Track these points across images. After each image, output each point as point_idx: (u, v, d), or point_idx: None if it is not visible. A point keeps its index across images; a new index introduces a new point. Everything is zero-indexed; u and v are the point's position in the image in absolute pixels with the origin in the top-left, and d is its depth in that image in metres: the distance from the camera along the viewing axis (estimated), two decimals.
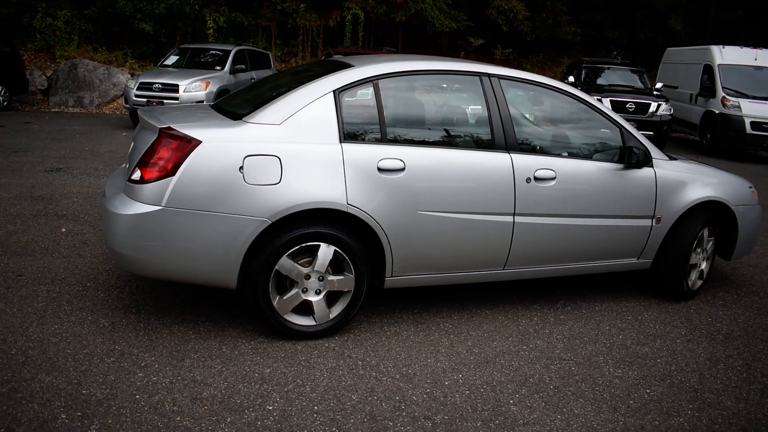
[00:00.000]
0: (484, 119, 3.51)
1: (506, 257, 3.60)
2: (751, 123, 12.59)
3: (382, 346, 3.26)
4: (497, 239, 3.52)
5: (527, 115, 3.85)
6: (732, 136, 12.87)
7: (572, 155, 3.73)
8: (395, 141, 3.28)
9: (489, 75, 3.56)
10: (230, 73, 11.48)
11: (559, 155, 3.67)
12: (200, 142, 2.92)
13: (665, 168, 3.95)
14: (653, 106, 12.74)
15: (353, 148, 3.14)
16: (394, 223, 3.21)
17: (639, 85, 14.15)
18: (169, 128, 2.97)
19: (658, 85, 13.78)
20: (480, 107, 3.53)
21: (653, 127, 12.66)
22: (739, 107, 12.83)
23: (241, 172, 2.93)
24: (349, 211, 3.10)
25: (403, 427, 2.57)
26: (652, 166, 3.87)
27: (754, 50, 13.78)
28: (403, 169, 3.21)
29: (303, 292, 3.17)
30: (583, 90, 13.20)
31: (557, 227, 3.65)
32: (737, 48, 13.96)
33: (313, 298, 3.20)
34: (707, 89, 13.75)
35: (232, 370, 2.90)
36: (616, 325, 3.78)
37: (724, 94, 13.19)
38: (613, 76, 14.36)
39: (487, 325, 3.64)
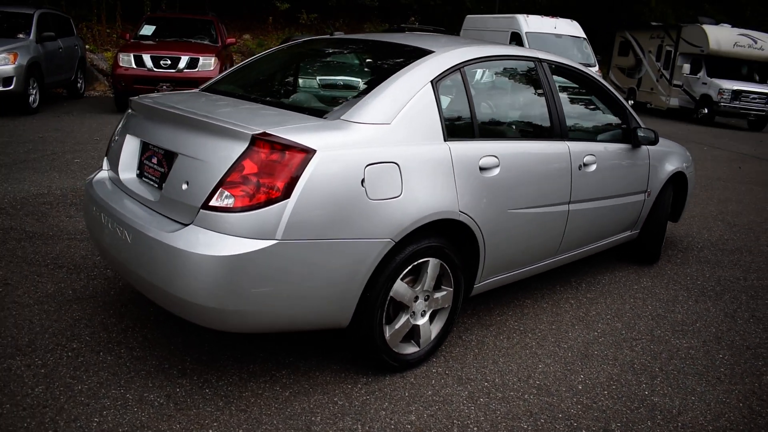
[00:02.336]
0: (544, 107, 3.35)
1: (558, 246, 3.56)
2: None
3: (483, 359, 3.01)
4: (557, 229, 3.45)
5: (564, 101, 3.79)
6: None
7: (601, 139, 3.78)
8: (486, 135, 2.97)
9: (541, 60, 3.40)
10: (37, 42, 9.37)
11: (594, 140, 3.69)
12: (315, 151, 2.27)
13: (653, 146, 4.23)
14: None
15: (457, 147, 2.76)
16: (490, 226, 2.95)
17: None
18: (267, 134, 2.25)
19: None
20: (537, 94, 3.36)
21: None
22: None
23: (364, 186, 2.37)
24: (459, 218, 2.75)
25: None
26: (656, 144, 4.10)
27: (553, 19, 15.48)
28: (497, 167, 2.93)
29: (411, 316, 2.76)
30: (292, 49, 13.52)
31: (593, 210, 3.70)
32: (538, 17, 15.53)
33: (420, 322, 2.81)
34: None
35: (374, 427, 2.41)
36: (636, 297, 4.01)
37: None
38: None
39: (543, 316, 3.58)
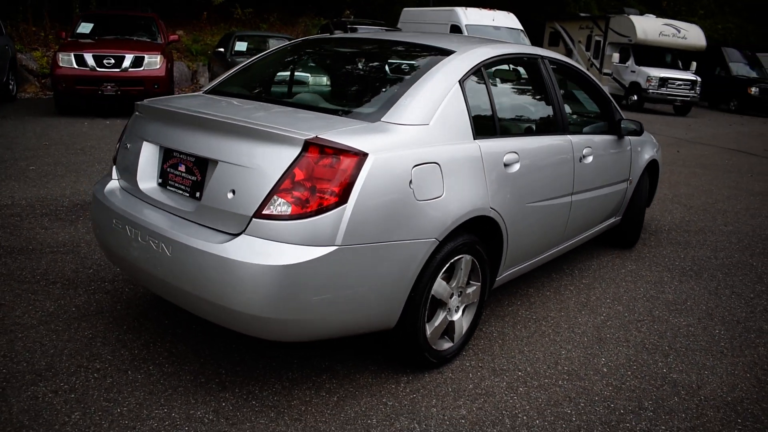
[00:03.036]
0: (550, 103, 3.45)
1: (563, 236, 3.69)
2: None
3: (509, 350, 3.09)
4: (562, 220, 3.57)
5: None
6: None
7: (593, 131, 3.93)
8: (505, 132, 3.03)
9: (543, 57, 3.49)
10: None
11: (588, 132, 3.83)
12: (367, 154, 2.25)
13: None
14: None
15: (485, 145, 2.81)
16: (512, 219, 3.02)
17: None
18: (319, 139, 2.21)
19: None
20: (543, 90, 3.46)
21: None
22: None
23: (411, 188, 2.38)
24: (490, 214, 2.80)
25: (650, 425, 2.53)
26: (641, 134, 4.30)
27: (491, 11, 15.83)
28: (518, 162, 3.00)
29: (447, 313, 2.80)
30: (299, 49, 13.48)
31: (590, 200, 3.85)
32: (476, 10, 15.84)
33: (455, 317, 2.86)
34: None
35: (429, 424, 2.44)
36: (627, 280, 4.21)
37: None
38: None
39: (549, 303, 3.71)
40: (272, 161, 2.21)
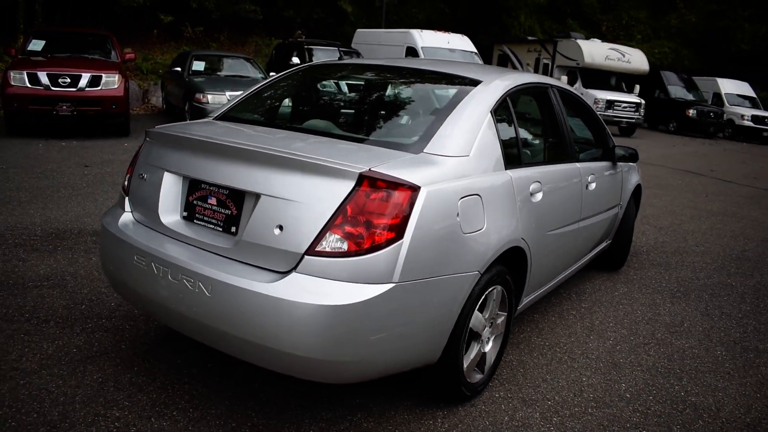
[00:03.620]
0: (562, 131, 3.50)
1: (570, 262, 3.74)
2: None
3: (533, 379, 3.08)
4: (571, 246, 3.63)
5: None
6: None
7: (593, 158, 4.02)
8: (529, 161, 3.06)
9: (552, 86, 3.56)
10: None
11: (587, 159, 3.92)
12: (419, 188, 2.20)
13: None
14: None
15: (514, 175, 2.82)
16: (536, 248, 3.04)
17: None
18: (374, 172, 2.14)
19: None
20: (555, 119, 3.51)
21: None
22: None
23: (458, 220, 2.35)
24: (520, 244, 2.80)
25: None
26: (636, 161, 4.42)
27: (446, 34, 16.13)
28: (540, 191, 3.03)
29: (480, 344, 2.77)
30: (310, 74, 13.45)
31: (591, 226, 3.93)
32: (432, 32, 16.12)
33: (487, 348, 2.83)
34: None
35: None
36: (623, 303, 4.30)
37: None
38: (335, 57, 14.93)
39: (557, 329, 3.73)
40: (324, 195, 2.13)
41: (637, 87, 18.69)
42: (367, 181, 2.12)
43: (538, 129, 3.55)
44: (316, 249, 2.09)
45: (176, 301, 2.31)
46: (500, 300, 2.83)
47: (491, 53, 23.25)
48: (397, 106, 3.03)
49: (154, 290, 2.39)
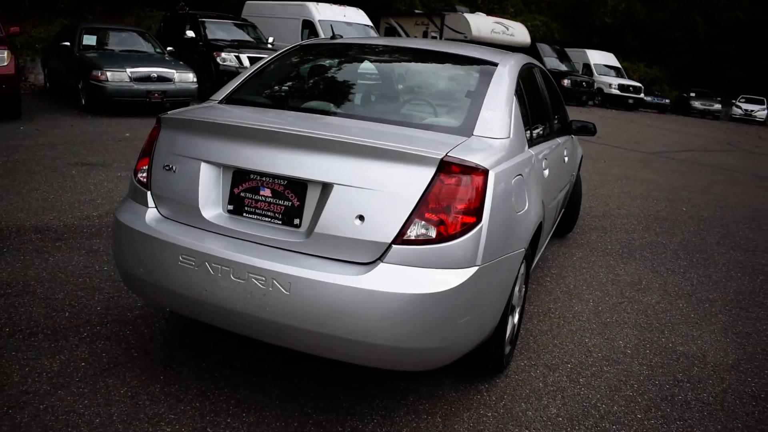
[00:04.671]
0: (548, 108, 3.67)
1: (553, 228, 3.97)
2: None
3: (545, 345, 3.28)
4: (555, 217, 3.85)
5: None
6: None
7: (560, 132, 4.25)
8: (536, 140, 3.18)
9: (535, 65, 3.69)
10: None
11: (561, 134, 4.14)
12: (488, 171, 2.23)
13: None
14: None
15: (533, 152, 2.93)
16: (543, 220, 3.19)
17: (250, 38, 14.37)
18: (450, 157, 2.13)
19: (270, 39, 14.30)
20: (542, 97, 3.66)
21: None
22: None
23: (513, 200, 2.43)
24: (542, 219, 2.94)
25: (695, 393, 2.87)
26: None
27: (342, 7, 15.93)
28: (547, 168, 3.18)
29: (512, 317, 2.89)
30: (206, 47, 12.76)
31: (564, 195, 4.19)
32: (328, 5, 15.84)
33: (515, 320, 2.96)
34: None
35: (536, 427, 2.52)
36: (584, 267, 4.65)
37: None
38: (231, 30, 14.24)
39: (541, 295, 3.97)
40: (406, 183, 2.11)
41: None
42: (446, 166, 2.12)
43: (533, 108, 3.69)
44: (404, 238, 2.08)
45: (241, 302, 2.18)
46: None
47: (378, 26, 23.30)
48: (425, 88, 3.02)
49: (210, 292, 2.24)
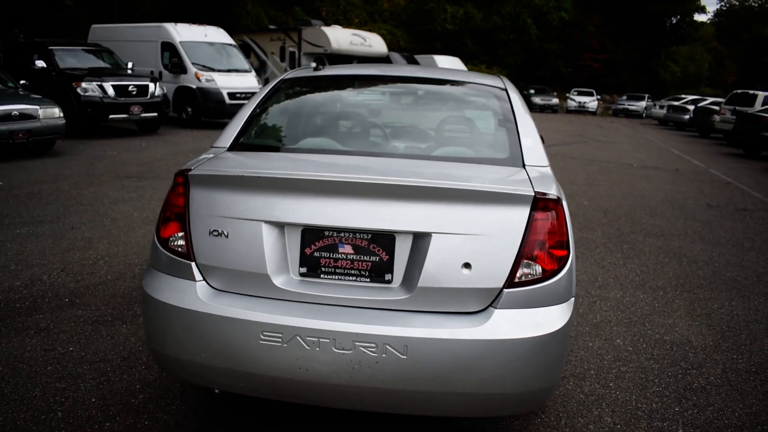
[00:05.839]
0: None
1: None
2: (228, 94, 14.24)
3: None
4: None
5: None
6: (213, 108, 14.25)
7: None
8: None
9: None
10: None
11: None
12: (561, 201, 2.27)
13: None
14: (152, 87, 12.53)
15: None
16: None
17: (107, 65, 13.28)
18: (539, 192, 2.14)
19: (130, 64, 13.30)
20: None
21: (155, 109, 12.57)
22: (214, 81, 14.22)
23: None
24: None
25: (708, 378, 3.15)
26: None
27: (202, 27, 15.23)
28: None
29: None
30: (60, 77, 11.49)
31: None
32: (186, 25, 15.06)
33: None
34: (176, 66, 14.41)
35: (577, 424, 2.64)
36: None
37: (195, 70, 14.25)
38: (84, 57, 12.99)
39: None
40: (506, 223, 2.09)
41: None
42: (538, 202, 2.13)
43: None
44: (514, 280, 2.06)
45: (347, 374, 2.01)
46: None
47: None
48: (453, 119, 2.97)
49: (305, 368, 2.03)
